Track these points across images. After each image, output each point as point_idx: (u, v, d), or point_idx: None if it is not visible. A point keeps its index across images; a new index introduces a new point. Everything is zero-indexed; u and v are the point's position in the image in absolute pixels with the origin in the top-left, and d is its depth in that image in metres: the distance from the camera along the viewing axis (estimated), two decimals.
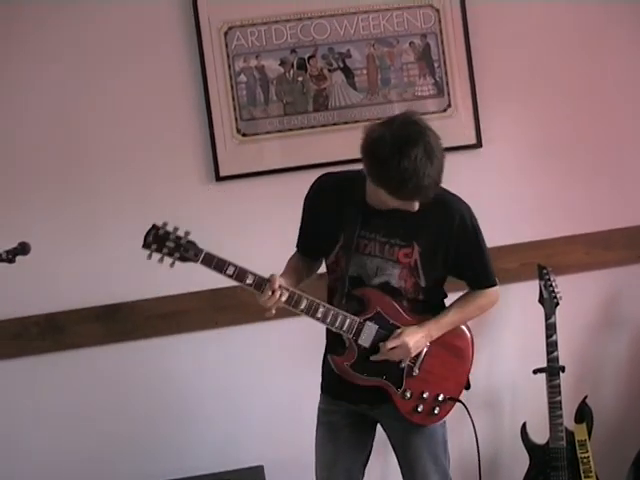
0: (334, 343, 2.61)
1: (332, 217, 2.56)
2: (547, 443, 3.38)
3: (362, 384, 2.57)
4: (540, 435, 3.40)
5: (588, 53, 3.59)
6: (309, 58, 3.40)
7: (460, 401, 2.62)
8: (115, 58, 3.32)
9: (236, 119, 3.37)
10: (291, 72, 3.40)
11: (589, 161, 3.59)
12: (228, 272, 2.44)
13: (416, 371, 2.57)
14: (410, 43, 3.46)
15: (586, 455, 3.37)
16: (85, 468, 3.33)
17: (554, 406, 3.33)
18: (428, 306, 2.59)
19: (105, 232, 3.32)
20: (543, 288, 3.36)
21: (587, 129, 3.59)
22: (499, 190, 3.52)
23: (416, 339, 2.51)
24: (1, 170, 3.28)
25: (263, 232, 3.35)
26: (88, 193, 3.32)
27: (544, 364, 3.35)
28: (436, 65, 3.47)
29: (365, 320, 2.53)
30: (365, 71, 3.44)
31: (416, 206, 2.43)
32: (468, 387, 2.67)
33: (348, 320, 2.51)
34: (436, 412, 2.60)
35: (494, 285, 2.64)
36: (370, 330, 2.52)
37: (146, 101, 3.34)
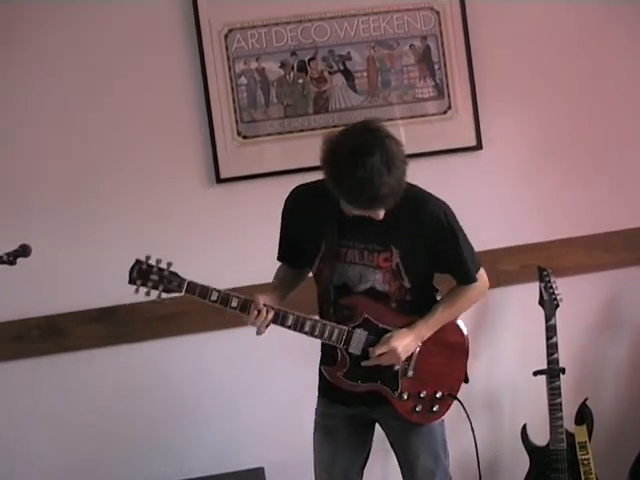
0: (327, 353, 2.62)
1: (311, 227, 2.56)
2: (547, 445, 3.38)
3: (358, 391, 2.58)
4: (540, 437, 3.41)
5: (588, 53, 3.59)
6: (309, 60, 3.40)
7: (456, 398, 2.62)
8: (116, 59, 3.32)
9: (236, 121, 3.37)
10: (291, 74, 3.40)
11: (589, 163, 3.59)
12: (212, 298, 2.48)
13: (410, 372, 2.57)
14: (410, 45, 3.46)
15: (586, 457, 3.37)
16: (85, 469, 3.33)
17: (554, 408, 3.33)
18: (417, 305, 2.58)
19: (105, 235, 3.31)
20: (543, 290, 3.36)
21: (587, 129, 3.58)
22: (499, 192, 3.52)
23: (405, 343, 2.51)
24: (1, 170, 3.27)
25: (263, 234, 3.32)
26: (89, 196, 3.31)
27: (544, 366, 3.35)
28: (436, 67, 3.47)
29: (353, 328, 2.53)
30: (365, 73, 3.44)
31: (380, 214, 2.41)
32: (467, 380, 2.67)
33: (336, 330, 2.52)
34: (435, 410, 2.60)
35: (474, 282, 2.60)
36: (359, 337, 2.52)
37: (147, 103, 3.34)
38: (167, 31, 3.35)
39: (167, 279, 2.47)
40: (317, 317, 2.58)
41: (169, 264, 2.48)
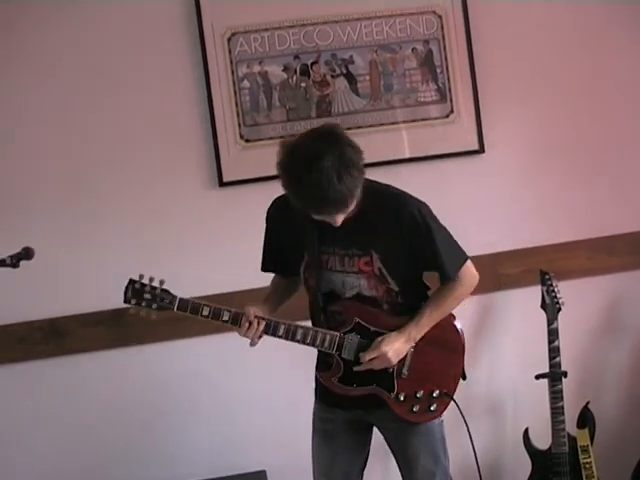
0: (322, 359, 2.62)
1: (293, 236, 2.56)
2: (549, 448, 3.38)
3: (354, 394, 2.58)
4: (542, 440, 3.40)
5: (588, 53, 3.58)
6: (312, 64, 3.41)
7: (452, 397, 2.61)
8: (117, 61, 3.32)
9: (239, 125, 3.38)
10: (294, 78, 3.41)
11: (590, 165, 3.59)
12: (204, 313, 2.50)
13: (405, 373, 2.56)
14: (413, 49, 3.46)
15: (588, 460, 3.37)
16: (86, 470, 3.34)
17: (556, 411, 3.33)
18: (410, 306, 2.56)
19: (106, 235, 3.31)
20: (545, 294, 3.36)
21: (588, 129, 3.58)
22: (502, 196, 3.52)
23: (396, 347, 2.50)
24: (1, 170, 3.28)
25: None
26: (90, 198, 3.32)
27: (546, 370, 3.35)
28: (438, 71, 3.47)
29: (345, 333, 2.53)
30: (368, 77, 3.44)
31: (338, 220, 2.38)
32: (464, 378, 2.66)
33: (328, 337, 2.52)
34: (432, 409, 2.59)
35: (453, 278, 2.56)
36: (352, 342, 2.52)
37: (149, 105, 3.34)
38: (170, 34, 3.35)
39: (159, 297, 2.50)
40: (309, 325, 2.58)
41: (161, 282, 2.50)
